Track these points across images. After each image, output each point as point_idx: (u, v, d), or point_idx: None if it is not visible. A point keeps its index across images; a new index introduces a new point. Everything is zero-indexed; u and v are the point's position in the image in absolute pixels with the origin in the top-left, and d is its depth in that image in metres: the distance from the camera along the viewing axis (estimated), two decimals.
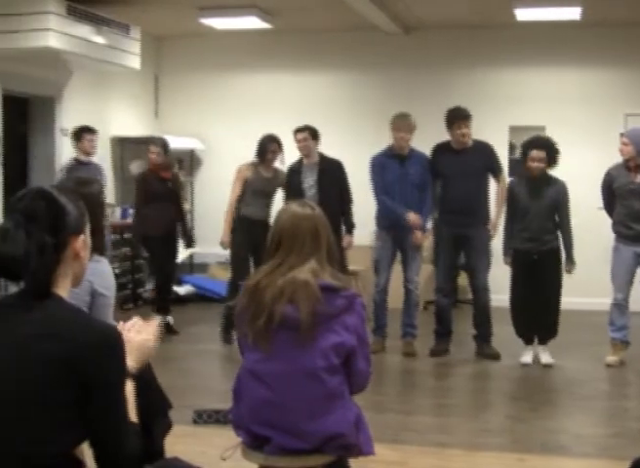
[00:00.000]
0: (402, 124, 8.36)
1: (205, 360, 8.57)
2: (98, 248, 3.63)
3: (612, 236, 8.26)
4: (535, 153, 7.83)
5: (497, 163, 8.56)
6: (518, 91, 11.26)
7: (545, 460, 5.46)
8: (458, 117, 8.31)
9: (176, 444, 3.46)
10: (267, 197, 8.77)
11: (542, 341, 8.19)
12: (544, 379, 7.77)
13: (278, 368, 3.35)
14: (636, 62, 11.33)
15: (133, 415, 2.68)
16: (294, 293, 3.34)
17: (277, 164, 8.88)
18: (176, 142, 10.91)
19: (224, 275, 11.31)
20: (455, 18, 11.19)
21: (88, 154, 9.38)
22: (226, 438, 3.84)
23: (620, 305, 8.12)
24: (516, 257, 8.07)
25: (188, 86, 12.64)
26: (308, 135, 8.66)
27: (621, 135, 8.13)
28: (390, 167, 8.38)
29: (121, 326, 2.96)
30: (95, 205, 3.77)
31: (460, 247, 8.47)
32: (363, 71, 12.12)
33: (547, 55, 11.51)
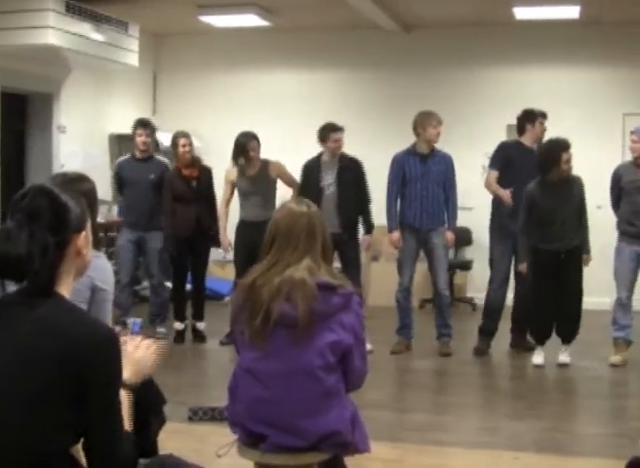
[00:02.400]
0: (435, 119, 8.35)
1: (201, 357, 8.57)
2: (94, 243, 3.63)
3: (610, 235, 8.27)
4: (566, 156, 7.80)
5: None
6: (517, 89, 11.24)
7: (540, 459, 5.46)
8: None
9: (171, 440, 3.46)
10: (260, 195, 8.61)
11: (566, 341, 8.12)
12: (544, 379, 7.78)
13: (274, 366, 3.35)
14: (635, 62, 11.31)
15: (127, 425, 2.67)
16: (291, 292, 3.34)
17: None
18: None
19: (222, 273, 11.31)
20: (455, 16, 11.17)
21: (141, 151, 9.05)
22: (222, 435, 3.83)
23: (624, 304, 8.11)
24: (540, 259, 7.98)
25: (187, 84, 12.62)
26: (342, 135, 8.54)
27: (632, 132, 8.10)
28: (412, 164, 8.35)
29: (122, 340, 2.92)
30: (92, 201, 3.77)
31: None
32: (363, 70, 12.10)
33: (546, 53, 11.50)
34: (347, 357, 3.42)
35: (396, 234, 8.33)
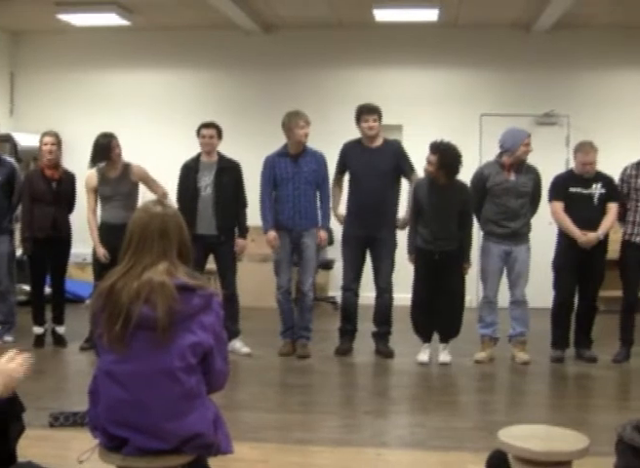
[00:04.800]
0: (302, 119, 8.30)
1: (62, 361, 8.42)
2: None
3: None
4: (429, 157, 7.94)
5: (407, 161, 8.51)
6: (377, 90, 11.37)
7: (402, 454, 5.57)
8: (364, 110, 8.37)
9: (32, 447, 3.41)
10: (121, 198, 8.46)
11: (444, 340, 8.33)
12: (409, 375, 7.89)
13: (135, 368, 3.32)
14: (492, 63, 11.61)
15: None
16: (150, 294, 3.32)
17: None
18: (31, 140, 10.62)
19: (82, 276, 11.13)
20: (314, 17, 11.25)
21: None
22: (84, 440, 3.79)
23: (491, 302, 8.33)
24: (419, 257, 8.16)
25: (46, 83, 12.39)
26: (215, 132, 8.44)
27: (529, 135, 8.23)
28: (283, 165, 8.32)
29: None
30: None
31: (367, 247, 8.52)
32: (222, 70, 12.10)
33: (406, 55, 11.71)
34: (208, 358, 3.41)
35: (271, 234, 8.33)
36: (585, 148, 8.16)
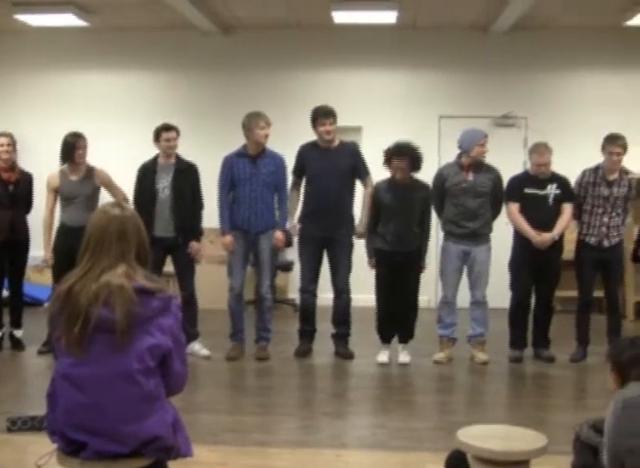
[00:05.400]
0: (263, 120, 8.25)
1: (20, 365, 8.35)
2: None
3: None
4: (395, 161, 7.98)
5: (362, 163, 8.54)
6: (336, 92, 11.39)
7: (362, 455, 5.58)
8: (320, 113, 8.35)
9: None
10: (82, 200, 8.39)
11: (402, 340, 8.37)
12: (369, 376, 7.90)
13: (93, 371, 3.30)
14: (450, 65, 11.67)
15: None
16: (109, 297, 3.30)
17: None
18: None
19: (40, 279, 11.04)
20: (273, 18, 11.25)
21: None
22: (42, 444, 3.75)
23: (450, 303, 8.37)
24: (380, 259, 8.18)
25: (3, 84, 12.27)
26: (176, 134, 8.40)
27: (485, 136, 8.25)
28: (241, 166, 8.29)
29: None
30: None
31: (324, 247, 8.52)
32: (181, 71, 12.05)
33: (364, 57, 11.73)
34: (167, 360, 3.40)
35: (228, 238, 8.31)
36: (540, 149, 8.22)
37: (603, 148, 8.20)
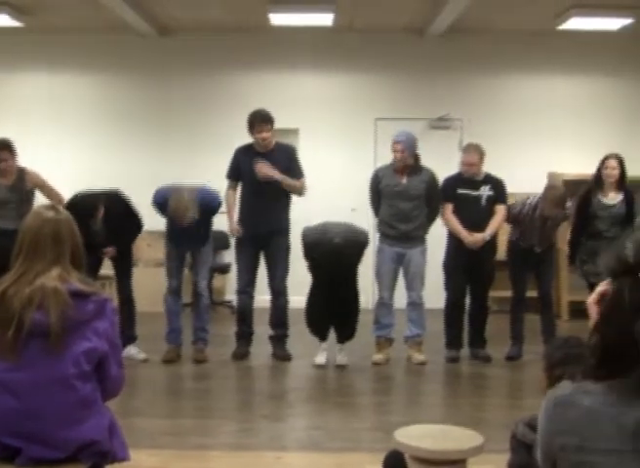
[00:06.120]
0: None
1: None
2: None
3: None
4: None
5: (297, 166, 8.51)
6: (273, 94, 11.39)
7: (301, 457, 5.60)
8: (257, 120, 8.29)
9: None
10: (15, 204, 8.26)
11: (340, 340, 8.33)
12: (307, 378, 7.94)
13: (28, 376, 3.26)
14: (386, 68, 11.72)
15: None
16: (43, 301, 3.26)
17: None
18: None
19: None
20: (211, 20, 11.20)
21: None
22: None
23: (386, 304, 8.39)
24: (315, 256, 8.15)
25: None
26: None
27: (396, 142, 8.27)
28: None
29: None
30: None
31: (261, 249, 8.51)
32: (118, 73, 11.90)
33: (302, 59, 11.72)
34: (103, 364, 3.38)
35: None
36: (469, 149, 8.34)
37: None
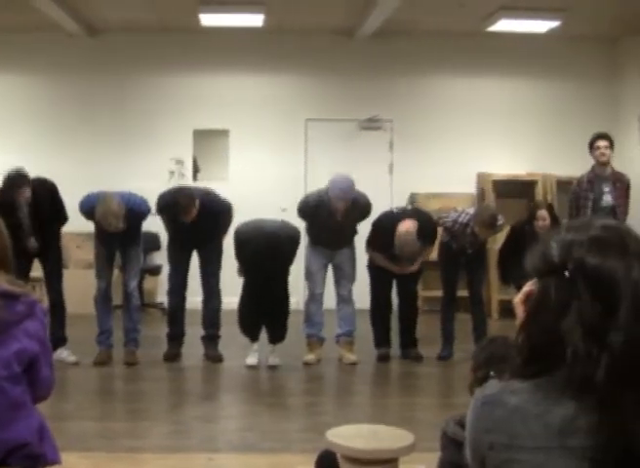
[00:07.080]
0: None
1: None
2: None
3: None
4: None
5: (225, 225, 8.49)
6: (202, 94, 11.38)
7: (233, 458, 5.60)
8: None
9: None
10: None
11: (271, 341, 8.31)
12: (239, 379, 7.94)
13: None
14: (316, 68, 11.75)
15: None
16: None
17: None
18: None
19: None
20: (141, 21, 11.14)
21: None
22: None
23: (317, 300, 8.43)
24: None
25: None
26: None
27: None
28: None
29: None
30: None
31: (193, 250, 8.50)
32: (44, 73, 11.74)
33: (232, 60, 11.72)
34: (34, 366, 3.34)
35: None
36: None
37: None
